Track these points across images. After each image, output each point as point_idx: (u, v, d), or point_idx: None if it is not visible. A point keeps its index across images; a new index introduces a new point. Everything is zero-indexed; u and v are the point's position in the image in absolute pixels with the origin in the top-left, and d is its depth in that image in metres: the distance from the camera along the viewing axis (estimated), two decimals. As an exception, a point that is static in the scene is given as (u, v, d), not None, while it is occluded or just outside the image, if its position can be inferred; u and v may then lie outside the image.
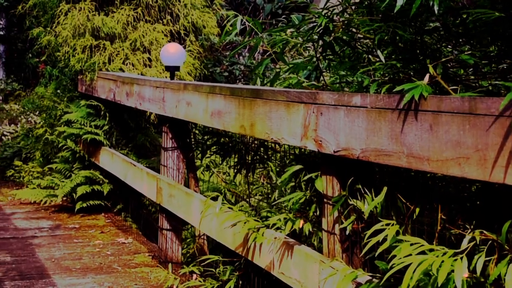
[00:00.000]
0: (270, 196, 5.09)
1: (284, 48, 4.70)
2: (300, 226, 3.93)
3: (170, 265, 5.99)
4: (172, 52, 6.21)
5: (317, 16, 3.88)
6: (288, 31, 5.14)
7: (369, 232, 3.13)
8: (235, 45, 9.66)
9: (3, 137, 13.29)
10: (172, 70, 6.22)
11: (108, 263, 6.39)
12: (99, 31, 7.94)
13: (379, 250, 3.01)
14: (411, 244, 2.82)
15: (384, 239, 3.03)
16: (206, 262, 5.18)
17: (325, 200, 3.69)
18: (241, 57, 9.82)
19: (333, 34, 3.93)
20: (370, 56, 4.16)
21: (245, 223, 4.37)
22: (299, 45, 4.56)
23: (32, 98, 10.24)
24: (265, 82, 5.27)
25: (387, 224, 3.08)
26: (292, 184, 4.18)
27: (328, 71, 4.87)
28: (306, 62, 4.58)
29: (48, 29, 8.37)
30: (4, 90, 16.28)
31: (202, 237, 5.94)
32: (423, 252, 2.77)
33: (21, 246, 6.88)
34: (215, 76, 9.39)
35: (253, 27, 4.86)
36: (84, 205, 7.95)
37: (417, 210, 3.16)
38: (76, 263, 6.34)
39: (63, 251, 6.72)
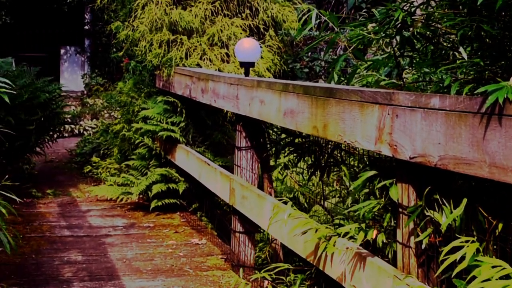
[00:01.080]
0: (345, 201, 4.81)
1: (359, 43, 4.43)
2: (373, 236, 3.65)
3: (241, 270, 5.75)
4: (247, 48, 5.96)
5: (394, 9, 3.58)
6: (370, 25, 4.85)
7: (446, 249, 2.83)
8: (315, 39, 9.37)
9: (84, 132, 13.32)
10: (247, 66, 5.98)
11: (179, 265, 6.21)
12: (177, 25, 7.75)
13: (457, 270, 2.71)
14: (493, 267, 2.51)
15: (463, 257, 2.73)
16: (277, 270, 4.93)
17: (400, 209, 3.40)
18: (322, 53, 9.53)
19: (411, 29, 3.62)
20: (456, 53, 3.85)
21: (316, 230, 4.11)
22: (378, 40, 4.27)
23: (110, 94, 10.15)
24: (341, 79, 4.98)
25: (467, 241, 2.77)
26: (366, 190, 3.89)
27: (411, 68, 4.58)
28: (387, 59, 4.29)
29: (126, 23, 8.24)
30: (89, 84, 16.34)
31: (276, 241, 5.69)
32: (506, 276, 2.46)
33: (93, 245, 6.76)
34: (296, 72, 9.12)
35: (329, 21, 4.60)
36: (159, 203, 7.79)
37: (500, 225, 2.85)
38: (147, 264, 6.18)
39: (135, 251, 6.57)
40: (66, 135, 13.62)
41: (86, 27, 17.92)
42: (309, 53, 9.33)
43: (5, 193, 5.04)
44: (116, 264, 6.17)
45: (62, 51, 18.36)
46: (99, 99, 14.60)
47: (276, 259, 5.61)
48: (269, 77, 7.65)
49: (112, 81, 15.40)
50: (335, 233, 4.00)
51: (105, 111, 13.81)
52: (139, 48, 7.97)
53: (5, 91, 3.11)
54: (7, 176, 6.49)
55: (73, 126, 13.70)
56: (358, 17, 9.05)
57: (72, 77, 17.94)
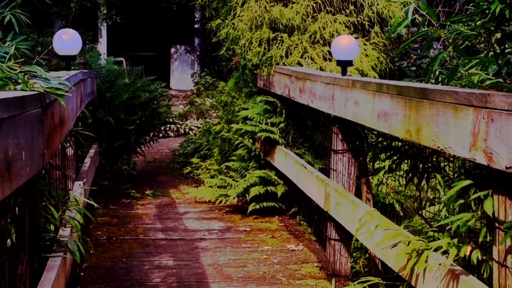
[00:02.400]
0: (440, 212, 4.44)
1: (463, 39, 4.08)
2: (467, 253, 3.30)
3: (333, 280, 5.46)
4: (344, 45, 5.65)
5: (491, 1, 3.21)
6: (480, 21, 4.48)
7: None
8: (426, 36, 8.93)
9: (190, 131, 13.24)
10: (344, 65, 5.66)
11: (272, 272, 5.95)
12: (277, 23, 7.49)
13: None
14: None
15: None
16: (370, 283, 4.60)
17: (496, 224, 3.03)
18: (431, 50, 9.07)
19: (512, 23, 3.26)
20: None
21: (408, 244, 3.79)
22: (477, 36, 3.90)
23: (211, 93, 9.99)
24: (440, 79, 4.61)
25: None
26: (462, 201, 3.53)
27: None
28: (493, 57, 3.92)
29: (227, 21, 8.04)
30: (198, 83, 16.30)
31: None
32: None
33: (186, 249, 6.58)
34: (404, 70, 8.70)
35: (427, 16, 4.27)
36: (257, 206, 7.55)
37: None
38: (239, 271, 5.95)
39: (228, 257, 6.35)
40: (172, 134, 13.57)
41: (196, 26, 17.90)
42: (418, 51, 8.90)
43: (87, 200, 4.90)
44: (207, 270, 5.97)
45: (173, 50, 18.44)
46: (208, 98, 14.51)
47: (375, 268, 5.27)
48: (374, 76, 7.32)
49: (222, 80, 15.32)
50: (428, 247, 3.67)
51: (213, 111, 13.69)
52: (239, 47, 7.78)
53: (61, 94, 2.91)
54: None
55: (178, 125, 13.63)
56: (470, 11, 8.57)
57: (182, 76, 17.99)
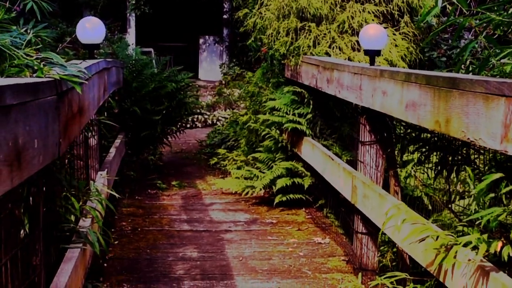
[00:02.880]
0: (469, 206, 4.32)
1: (494, 28, 3.95)
2: (498, 248, 3.17)
3: (360, 274, 5.35)
4: (372, 34, 5.53)
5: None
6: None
7: None
8: (456, 26, 8.76)
9: (218, 122, 13.17)
10: (372, 54, 5.53)
11: (298, 265, 5.85)
12: (305, 12, 7.38)
13: None
14: None
15: None
16: (397, 278, 4.48)
17: (528, 219, 2.92)
18: (462, 41, 8.92)
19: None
20: None
21: (436, 238, 3.67)
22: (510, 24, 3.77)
23: (238, 83, 9.88)
24: (470, 69, 4.48)
25: None
26: (492, 195, 3.41)
27: None
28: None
29: (254, 10, 7.94)
30: (227, 74, 16.23)
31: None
32: None
33: (211, 241, 6.50)
34: (434, 61, 8.55)
35: (458, 3, 4.14)
36: (284, 198, 7.46)
37: None
38: (264, 264, 5.86)
39: (254, 249, 6.27)
40: (199, 125, 13.54)
41: (225, 16, 17.83)
42: (449, 41, 8.74)
43: (110, 191, 4.83)
44: (231, 262, 5.89)
45: (201, 40, 18.38)
46: (236, 88, 14.43)
47: (403, 263, 5.16)
48: (403, 67, 7.19)
49: (250, 70, 15.22)
50: (457, 242, 3.55)
51: (241, 101, 13.62)
52: (266, 36, 7.68)
53: (78, 81, 2.83)
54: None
55: (206, 116, 13.58)
56: None
57: (211, 66, 17.94)
